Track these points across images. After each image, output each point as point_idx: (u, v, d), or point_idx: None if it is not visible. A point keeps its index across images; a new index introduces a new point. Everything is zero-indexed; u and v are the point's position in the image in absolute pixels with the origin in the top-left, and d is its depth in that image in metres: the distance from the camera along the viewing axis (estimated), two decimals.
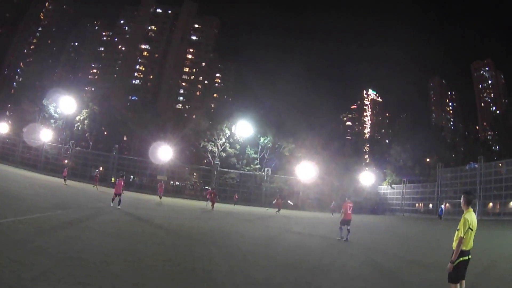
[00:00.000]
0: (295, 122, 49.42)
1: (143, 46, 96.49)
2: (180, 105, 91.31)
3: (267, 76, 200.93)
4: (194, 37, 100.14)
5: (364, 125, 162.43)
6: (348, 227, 12.64)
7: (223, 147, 46.63)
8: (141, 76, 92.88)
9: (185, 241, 9.49)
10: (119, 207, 15.15)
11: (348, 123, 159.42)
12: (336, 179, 44.50)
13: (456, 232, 4.77)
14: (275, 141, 45.32)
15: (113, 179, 38.63)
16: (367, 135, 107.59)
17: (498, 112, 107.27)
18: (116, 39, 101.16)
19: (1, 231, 6.86)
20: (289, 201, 44.48)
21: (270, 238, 12.42)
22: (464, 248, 4.68)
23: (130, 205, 17.87)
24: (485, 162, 40.46)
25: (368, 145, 63.69)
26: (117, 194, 15.63)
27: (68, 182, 27.90)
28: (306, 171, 42.41)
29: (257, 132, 45.32)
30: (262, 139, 45.42)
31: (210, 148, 46.41)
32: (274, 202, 30.45)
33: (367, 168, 49.48)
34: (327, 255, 9.75)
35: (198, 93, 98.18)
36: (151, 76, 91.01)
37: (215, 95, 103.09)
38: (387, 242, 14.16)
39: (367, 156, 61.35)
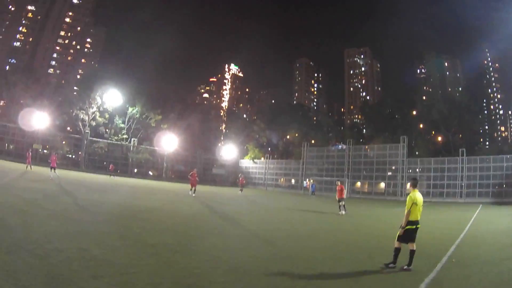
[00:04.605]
0: (163, 93, 49.74)
1: (29, 7, 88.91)
2: (52, 70, 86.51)
3: (139, 43, 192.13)
4: (75, 0, 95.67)
5: (222, 99, 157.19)
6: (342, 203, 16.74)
7: (93, 115, 45.60)
8: (23, 38, 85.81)
9: None
10: None
11: (206, 95, 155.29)
12: (199, 150, 46.26)
13: (405, 208, 6.10)
14: (143, 111, 45.47)
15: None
16: (225, 109, 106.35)
17: (368, 97, 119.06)
18: None
19: None
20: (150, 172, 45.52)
21: None
22: (412, 219, 6.04)
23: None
24: (354, 145, 44.08)
25: (225, 119, 65.39)
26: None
27: None
28: (170, 142, 43.65)
29: (126, 101, 44.93)
30: (130, 109, 45.23)
31: (82, 117, 45.11)
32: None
33: (223, 142, 51.42)
34: None
35: (69, 58, 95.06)
36: (31, 39, 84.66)
37: (83, 60, 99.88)
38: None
39: (224, 128, 63.42)
